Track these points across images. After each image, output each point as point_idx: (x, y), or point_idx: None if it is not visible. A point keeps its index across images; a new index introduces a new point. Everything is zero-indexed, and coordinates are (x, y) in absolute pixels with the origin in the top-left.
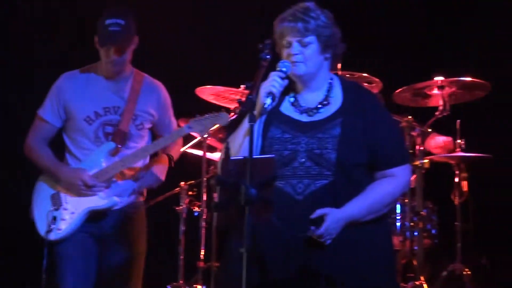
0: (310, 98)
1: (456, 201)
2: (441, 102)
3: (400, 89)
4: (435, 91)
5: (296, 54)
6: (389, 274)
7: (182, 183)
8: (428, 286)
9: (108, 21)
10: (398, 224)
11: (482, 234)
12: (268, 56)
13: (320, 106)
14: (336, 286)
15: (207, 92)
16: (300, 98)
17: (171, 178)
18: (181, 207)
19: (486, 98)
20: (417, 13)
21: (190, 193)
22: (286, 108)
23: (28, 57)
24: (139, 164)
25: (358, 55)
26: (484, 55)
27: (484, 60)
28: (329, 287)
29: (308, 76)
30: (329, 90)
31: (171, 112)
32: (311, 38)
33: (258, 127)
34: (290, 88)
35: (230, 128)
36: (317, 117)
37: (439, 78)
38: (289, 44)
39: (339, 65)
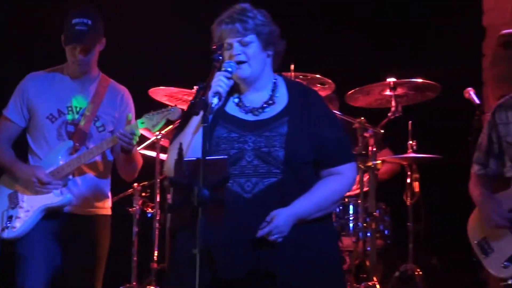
0: (255, 98)
1: (408, 201)
2: (393, 103)
3: (352, 90)
4: (387, 92)
5: (239, 54)
6: (336, 272)
7: (135, 184)
8: (380, 286)
9: (74, 21)
10: (351, 225)
11: (433, 234)
12: (220, 57)
13: (265, 105)
14: (285, 285)
15: (160, 93)
16: (244, 99)
17: (123, 179)
18: (134, 208)
19: (437, 99)
20: (370, 14)
21: (143, 194)
22: (231, 108)
23: None
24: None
25: (311, 56)
26: (434, 56)
27: (435, 62)
28: (279, 286)
29: (253, 77)
30: (274, 89)
31: (132, 119)
32: (251, 37)
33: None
34: (234, 89)
35: (178, 128)
36: (263, 116)
37: (391, 80)
38: (230, 46)
39: (292, 66)
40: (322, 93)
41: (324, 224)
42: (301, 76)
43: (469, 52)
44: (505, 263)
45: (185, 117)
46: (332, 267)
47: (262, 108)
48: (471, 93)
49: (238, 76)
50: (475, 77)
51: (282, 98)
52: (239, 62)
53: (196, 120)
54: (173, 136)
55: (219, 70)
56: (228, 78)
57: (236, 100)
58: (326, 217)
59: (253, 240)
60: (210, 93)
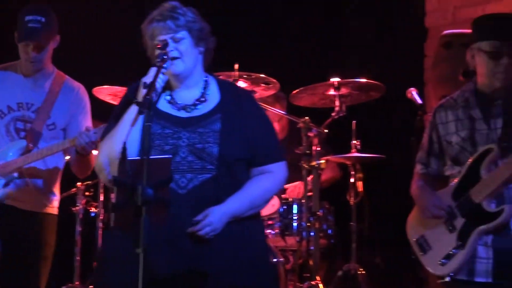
0: (186, 95)
1: (352, 201)
2: (337, 103)
3: (297, 90)
4: (332, 92)
5: (172, 51)
6: (267, 269)
7: (79, 183)
8: (323, 285)
9: (27, 18)
10: (294, 224)
11: (376, 233)
12: (165, 56)
13: (197, 102)
14: (219, 283)
15: (104, 92)
16: (176, 96)
17: (67, 178)
18: (77, 207)
19: (381, 99)
20: (316, 14)
21: (87, 193)
22: (163, 105)
23: None
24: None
25: (256, 56)
26: (378, 56)
27: (379, 62)
28: (212, 283)
29: (186, 73)
30: (205, 87)
31: (87, 116)
32: (183, 33)
33: (140, 123)
34: (165, 86)
35: (108, 125)
36: (196, 113)
37: (335, 79)
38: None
39: (236, 66)
40: (267, 92)
41: (256, 222)
42: (245, 76)
43: (412, 53)
44: (442, 260)
45: (117, 113)
46: (263, 264)
47: (194, 105)
48: (413, 93)
49: (172, 72)
50: (418, 77)
51: (213, 96)
52: (173, 58)
53: (129, 116)
54: (103, 132)
55: (154, 66)
56: (163, 74)
57: (168, 97)
58: (257, 215)
59: (188, 236)
60: (144, 88)
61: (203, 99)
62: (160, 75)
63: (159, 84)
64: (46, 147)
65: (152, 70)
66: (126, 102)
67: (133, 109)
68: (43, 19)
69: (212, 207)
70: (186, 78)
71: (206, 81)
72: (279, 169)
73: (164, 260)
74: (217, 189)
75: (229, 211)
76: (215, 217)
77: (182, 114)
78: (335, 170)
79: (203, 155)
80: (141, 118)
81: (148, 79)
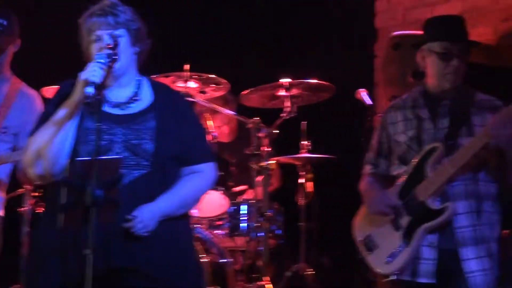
0: (119, 93)
1: (301, 201)
2: (287, 104)
3: (247, 91)
4: (282, 92)
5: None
6: (197, 269)
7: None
8: (272, 286)
9: None
10: (244, 225)
11: (326, 234)
12: (116, 56)
13: (131, 101)
14: (148, 281)
15: (53, 92)
16: (109, 94)
17: (15, 179)
18: (25, 208)
19: (332, 100)
20: (266, 14)
21: (34, 194)
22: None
23: None
24: None
25: (207, 57)
26: (329, 57)
27: (330, 63)
28: (142, 281)
29: (120, 71)
30: (139, 87)
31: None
32: (121, 31)
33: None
34: None
35: (39, 122)
36: (129, 111)
37: (285, 80)
38: (99, 38)
39: (187, 66)
40: (218, 93)
41: (186, 221)
42: (195, 76)
43: (363, 54)
44: (388, 259)
45: (50, 110)
46: (189, 263)
47: (128, 103)
48: (362, 94)
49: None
50: (369, 78)
51: (147, 96)
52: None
53: (61, 113)
54: (33, 128)
55: (93, 61)
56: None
57: None
58: (187, 214)
59: (120, 233)
60: (82, 84)
61: (136, 98)
62: (99, 70)
63: (98, 78)
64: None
65: (91, 66)
66: (61, 99)
67: (68, 106)
68: (4, 22)
69: (145, 205)
70: (119, 76)
71: (139, 81)
72: (210, 169)
73: (97, 257)
74: (150, 185)
75: (161, 209)
76: (147, 215)
77: (116, 111)
78: (278, 180)
79: (139, 151)
80: (77, 115)
81: (88, 75)
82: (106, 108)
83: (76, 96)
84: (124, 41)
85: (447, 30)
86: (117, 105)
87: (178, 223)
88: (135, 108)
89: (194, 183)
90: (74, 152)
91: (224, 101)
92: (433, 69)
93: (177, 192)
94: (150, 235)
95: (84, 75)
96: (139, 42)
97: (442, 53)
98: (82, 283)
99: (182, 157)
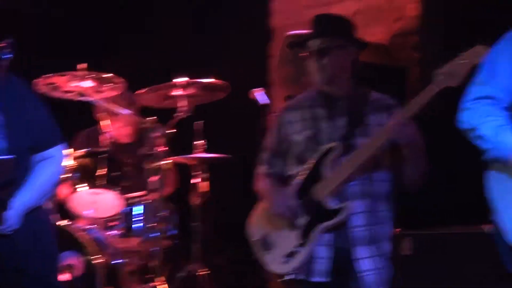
0: None
1: (195, 201)
2: (183, 103)
3: (142, 90)
4: (178, 92)
5: None
6: (54, 260)
7: None
8: (167, 286)
9: None
10: (138, 225)
11: (221, 233)
12: (8, 56)
13: None
14: (15, 275)
15: None
16: None
17: None
18: None
19: (228, 99)
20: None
21: None
22: None
23: None
24: None
25: (103, 56)
26: (226, 57)
27: (226, 62)
28: (13, 278)
29: None
30: None
31: None
32: None
33: None
34: None
35: None
36: None
37: (180, 80)
38: None
39: (85, 65)
40: (114, 92)
41: (45, 211)
42: (93, 75)
43: (259, 53)
44: (284, 258)
45: None
46: (53, 254)
47: None
48: (257, 93)
49: None
50: (265, 77)
51: None
52: None
53: None
54: None
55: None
56: None
57: None
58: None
59: None
60: None
61: None
62: None
63: None
64: None
65: None
66: None
67: None
68: None
69: (9, 203)
70: None
71: None
72: (59, 152)
73: None
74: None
75: (25, 204)
76: (11, 212)
77: None
78: (173, 182)
79: None
80: None
81: None
82: None
83: None
84: None
85: (320, 26)
86: None
87: (41, 213)
88: None
89: (47, 170)
90: None
91: (129, 102)
92: (310, 66)
93: (34, 183)
94: (16, 230)
95: None
96: None
97: (315, 51)
98: None
99: (32, 146)
